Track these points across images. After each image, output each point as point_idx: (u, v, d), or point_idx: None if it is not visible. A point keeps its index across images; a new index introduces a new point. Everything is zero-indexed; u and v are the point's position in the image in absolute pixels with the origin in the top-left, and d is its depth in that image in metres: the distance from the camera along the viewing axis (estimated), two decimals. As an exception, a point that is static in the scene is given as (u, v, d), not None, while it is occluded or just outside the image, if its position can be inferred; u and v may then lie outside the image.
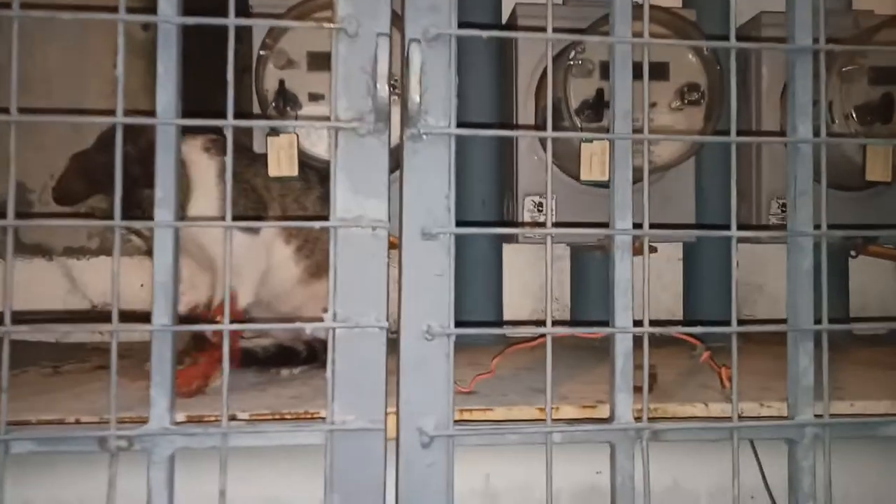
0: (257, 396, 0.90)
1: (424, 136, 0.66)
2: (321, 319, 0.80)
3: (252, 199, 1.06)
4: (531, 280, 1.54)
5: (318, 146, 1.16)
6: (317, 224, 0.67)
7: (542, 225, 1.30)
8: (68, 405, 0.84)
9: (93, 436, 0.63)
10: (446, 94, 0.67)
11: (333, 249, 0.66)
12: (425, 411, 0.65)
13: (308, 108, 1.14)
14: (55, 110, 0.63)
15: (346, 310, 0.66)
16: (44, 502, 0.82)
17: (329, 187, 1.16)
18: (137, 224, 0.65)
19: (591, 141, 1.13)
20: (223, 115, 0.64)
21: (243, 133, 1.31)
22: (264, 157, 1.10)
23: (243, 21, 0.68)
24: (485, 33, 0.68)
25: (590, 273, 1.45)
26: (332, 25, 0.67)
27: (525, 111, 1.33)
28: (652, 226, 0.72)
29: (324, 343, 1.08)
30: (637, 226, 0.72)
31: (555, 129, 1.23)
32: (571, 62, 1.18)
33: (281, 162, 1.05)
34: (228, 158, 0.65)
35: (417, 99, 0.59)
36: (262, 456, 0.80)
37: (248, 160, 1.10)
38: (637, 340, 0.72)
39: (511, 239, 1.42)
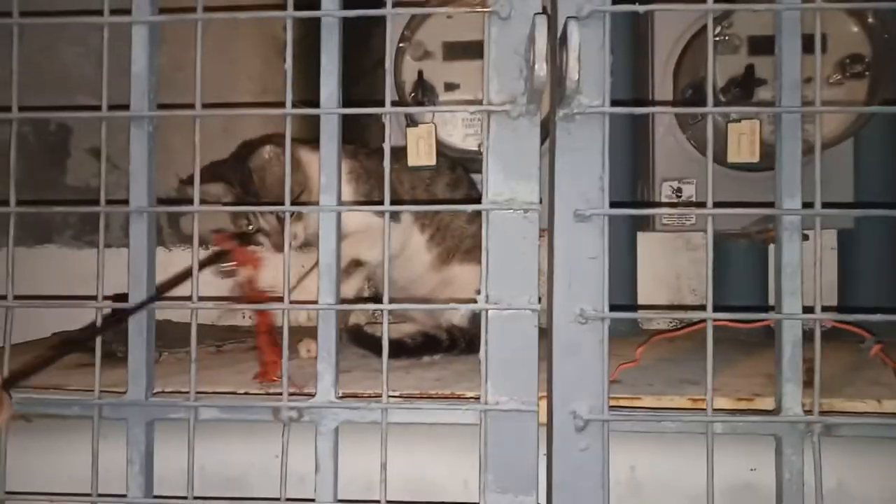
0: (402, 378, 0.93)
1: (577, 117, 0.66)
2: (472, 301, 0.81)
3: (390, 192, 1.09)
4: (666, 270, 1.48)
5: (454, 135, 1.18)
6: (469, 207, 0.68)
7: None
8: (233, 379, 0.91)
9: (268, 406, 0.68)
10: (600, 73, 0.66)
11: (486, 232, 0.67)
12: (579, 395, 0.65)
13: (444, 98, 1.16)
14: (210, 105, 0.70)
15: (498, 292, 0.66)
16: (214, 467, 0.89)
17: (456, 174, 1.19)
18: (304, 209, 0.68)
19: (739, 120, 1.07)
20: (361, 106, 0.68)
21: (379, 131, 1.36)
22: (396, 151, 1.13)
23: (400, 10, 0.70)
24: (642, 8, 0.66)
25: (732, 263, 1.37)
26: (485, 10, 0.67)
27: (662, 90, 1.28)
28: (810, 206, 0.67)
29: (463, 331, 1.11)
30: (806, 206, 0.67)
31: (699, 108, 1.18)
32: (717, 38, 1.12)
33: (420, 151, 1.08)
34: (387, 145, 0.68)
35: (576, 77, 0.58)
36: (407, 434, 0.83)
37: (380, 157, 1.13)
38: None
39: (646, 227, 1.37)
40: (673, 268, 1.47)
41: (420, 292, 1.13)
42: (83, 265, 1.55)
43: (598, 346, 0.65)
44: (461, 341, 1.10)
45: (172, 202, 1.01)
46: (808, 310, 0.66)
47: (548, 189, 0.69)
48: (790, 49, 0.67)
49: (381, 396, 0.77)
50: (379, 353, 0.99)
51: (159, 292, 0.71)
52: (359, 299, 0.94)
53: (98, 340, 0.74)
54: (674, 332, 0.93)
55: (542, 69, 0.59)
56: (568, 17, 0.60)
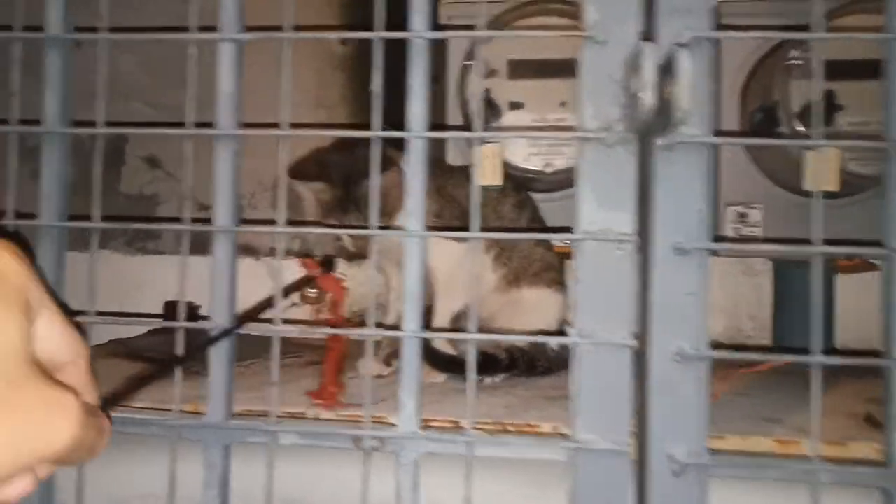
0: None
1: (678, 146, 0.63)
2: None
3: (455, 209, 1.08)
4: (725, 296, 1.44)
5: (516, 155, 1.16)
6: (562, 236, 0.66)
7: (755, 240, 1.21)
8: (300, 399, 0.90)
9: (349, 434, 0.66)
10: (700, 102, 0.63)
11: (578, 263, 0.65)
12: (676, 438, 0.62)
13: (509, 117, 1.15)
14: (265, 125, 0.68)
15: (590, 325, 0.64)
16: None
17: (521, 195, 1.17)
18: (390, 233, 0.67)
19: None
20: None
21: (433, 150, 1.35)
22: (460, 168, 1.12)
23: (491, 33, 0.68)
24: (746, 35, 0.63)
25: (795, 291, 1.33)
26: (580, 34, 0.65)
27: (729, 114, 1.25)
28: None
29: (523, 352, 1.08)
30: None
31: (769, 135, 1.15)
32: (792, 62, 1.09)
33: (486, 171, 1.06)
34: (474, 171, 0.66)
35: (687, 108, 0.56)
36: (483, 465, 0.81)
37: (446, 172, 1.12)
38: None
39: (707, 251, 1.33)
40: (731, 294, 1.43)
41: (482, 314, 1.11)
42: (136, 271, 1.56)
43: (697, 386, 0.62)
44: (521, 362, 1.07)
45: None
46: (918, 354, 0.63)
47: (637, 220, 0.66)
48: (903, 79, 0.64)
49: (457, 424, 0.76)
50: (442, 368, 0.97)
51: (243, 320, 0.70)
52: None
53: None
54: (758, 367, 0.89)
55: (649, 99, 0.57)
56: (677, 45, 0.58)
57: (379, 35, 0.67)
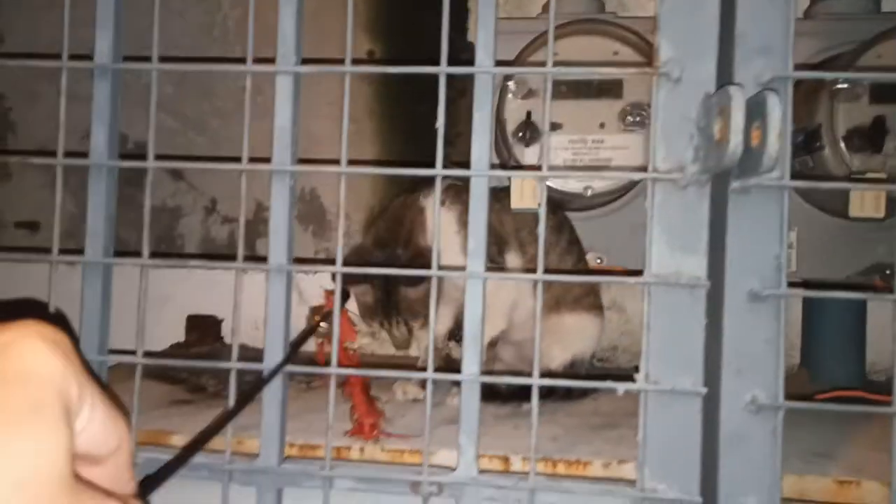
0: (511, 435, 0.89)
1: (754, 189, 0.61)
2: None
3: (491, 235, 1.05)
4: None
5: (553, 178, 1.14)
6: (632, 280, 0.64)
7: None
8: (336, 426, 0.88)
9: (407, 479, 0.64)
10: (782, 145, 0.61)
11: (648, 308, 0.63)
12: (748, 491, 0.60)
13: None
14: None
15: (659, 371, 0.62)
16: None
17: (559, 217, 1.15)
18: (454, 274, 0.65)
19: (864, 173, 1.02)
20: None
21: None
22: (492, 191, 1.10)
23: (562, 70, 0.66)
24: (830, 75, 0.61)
25: (827, 314, 1.32)
26: (653, 71, 0.64)
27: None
28: None
29: (561, 376, 1.07)
30: None
31: (812, 157, 1.13)
32: (839, 86, 1.06)
33: (524, 194, 1.04)
34: (542, 210, 0.64)
35: (776, 154, 0.54)
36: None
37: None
38: None
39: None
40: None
41: (517, 337, 1.10)
42: (156, 283, 1.54)
43: (771, 437, 0.60)
44: (559, 388, 1.06)
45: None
46: None
47: (710, 264, 0.64)
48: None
49: (506, 459, 0.74)
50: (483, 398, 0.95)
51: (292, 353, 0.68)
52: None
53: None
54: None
55: (738, 146, 0.55)
56: (766, 90, 0.56)
57: (444, 70, 0.65)
